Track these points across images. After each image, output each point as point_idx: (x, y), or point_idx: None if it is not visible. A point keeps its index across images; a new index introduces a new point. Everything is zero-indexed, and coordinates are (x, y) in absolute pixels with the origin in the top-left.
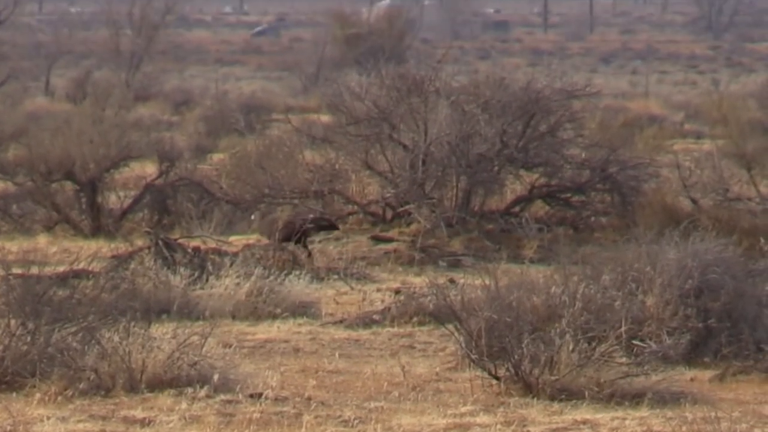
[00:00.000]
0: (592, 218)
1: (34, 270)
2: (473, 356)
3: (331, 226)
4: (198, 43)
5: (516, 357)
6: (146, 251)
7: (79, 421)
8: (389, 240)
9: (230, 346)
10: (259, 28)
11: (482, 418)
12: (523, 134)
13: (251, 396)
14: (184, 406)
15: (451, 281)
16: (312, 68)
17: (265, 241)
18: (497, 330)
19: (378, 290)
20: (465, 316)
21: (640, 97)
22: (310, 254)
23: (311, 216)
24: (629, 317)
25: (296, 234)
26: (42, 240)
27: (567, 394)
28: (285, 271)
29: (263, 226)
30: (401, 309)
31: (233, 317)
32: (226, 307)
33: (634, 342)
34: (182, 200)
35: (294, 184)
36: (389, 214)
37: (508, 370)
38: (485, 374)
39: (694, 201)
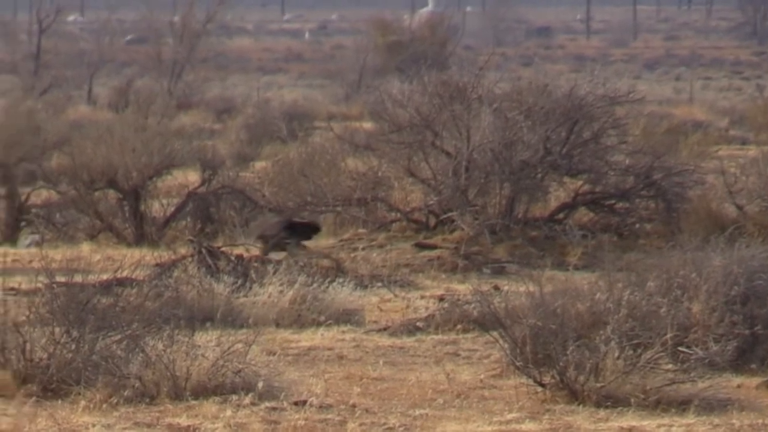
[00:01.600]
0: (637, 225)
1: (78, 278)
2: (518, 363)
3: (311, 229)
4: (240, 51)
5: (561, 364)
6: (190, 259)
7: (124, 429)
8: (433, 247)
9: (274, 354)
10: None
11: (528, 426)
12: (566, 141)
13: (296, 403)
14: (228, 413)
15: (496, 288)
16: (354, 76)
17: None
18: (542, 337)
19: (422, 297)
20: (509, 323)
21: (685, 104)
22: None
23: (285, 221)
24: (675, 324)
25: (273, 239)
26: (85, 248)
27: (612, 401)
28: (328, 279)
29: (251, 232)
30: (445, 316)
31: (277, 325)
32: (270, 314)
33: (680, 349)
34: (225, 208)
35: (337, 191)
36: (432, 221)
37: (553, 377)
38: (530, 381)
39: (739, 207)
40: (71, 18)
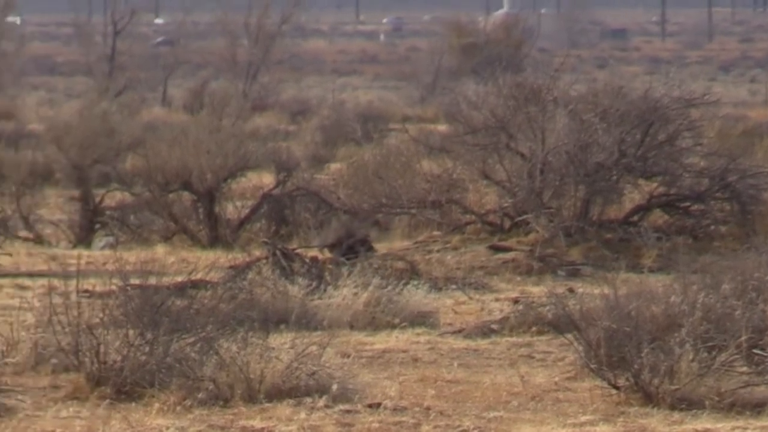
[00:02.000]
0: (712, 227)
1: (152, 280)
2: (593, 366)
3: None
4: (315, 52)
5: (636, 366)
6: (264, 261)
7: (198, 431)
8: (507, 249)
9: (349, 356)
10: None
11: (602, 428)
12: (641, 143)
13: (370, 406)
14: (302, 416)
15: (570, 291)
16: (429, 78)
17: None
18: (616, 339)
19: (496, 300)
20: (584, 325)
21: (760, 106)
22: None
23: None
24: (750, 326)
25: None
26: (160, 250)
27: (687, 404)
28: (403, 281)
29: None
30: (520, 318)
31: (351, 327)
32: (344, 317)
33: (755, 351)
34: (299, 210)
35: (412, 193)
36: (507, 223)
37: (627, 379)
38: (605, 384)
39: None
40: (158, 20)
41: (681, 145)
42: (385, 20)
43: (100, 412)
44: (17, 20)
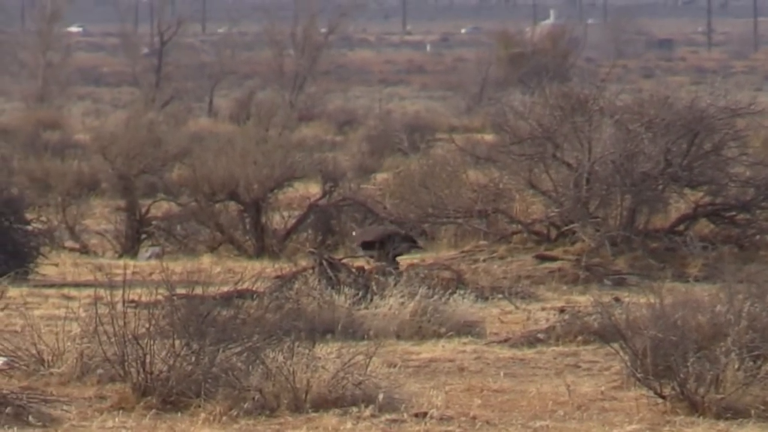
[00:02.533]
0: (757, 236)
1: (199, 290)
2: (638, 375)
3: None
4: (361, 63)
5: (681, 376)
6: (310, 271)
7: None
8: (554, 259)
9: (395, 366)
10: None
11: None
12: (687, 153)
13: (416, 415)
14: (349, 425)
15: (616, 300)
16: (476, 88)
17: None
18: (662, 349)
19: (543, 309)
20: (630, 334)
21: None
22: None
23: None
24: None
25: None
26: (206, 260)
27: (733, 413)
28: (449, 291)
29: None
30: (566, 328)
31: (398, 337)
32: (391, 326)
33: None
34: (346, 220)
35: (458, 203)
36: (553, 233)
37: (673, 388)
38: (650, 393)
39: None
40: (222, 30)
41: (726, 154)
42: (464, 30)
43: (145, 423)
44: (79, 30)
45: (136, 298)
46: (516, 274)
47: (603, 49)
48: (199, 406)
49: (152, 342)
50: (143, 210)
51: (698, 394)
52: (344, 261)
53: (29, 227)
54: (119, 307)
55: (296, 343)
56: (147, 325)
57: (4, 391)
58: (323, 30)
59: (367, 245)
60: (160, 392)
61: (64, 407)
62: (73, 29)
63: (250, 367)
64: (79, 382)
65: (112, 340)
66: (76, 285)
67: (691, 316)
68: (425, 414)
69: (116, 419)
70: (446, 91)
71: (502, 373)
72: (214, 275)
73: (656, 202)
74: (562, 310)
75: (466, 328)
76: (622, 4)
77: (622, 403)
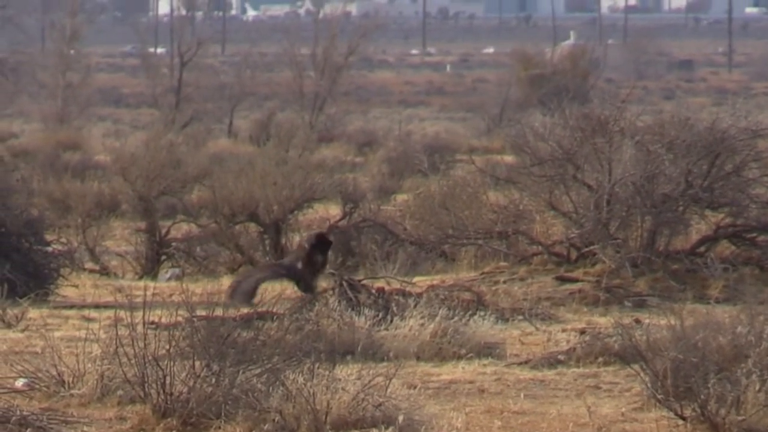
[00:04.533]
0: None
1: (219, 312)
2: (659, 396)
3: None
4: (381, 84)
5: (702, 397)
6: (330, 292)
7: None
8: (574, 280)
9: (415, 387)
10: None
11: None
12: (708, 174)
13: None
14: None
15: (637, 321)
16: (496, 109)
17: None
18: (683, 370)
19: (563, 330)
20: (651, 356)
21: None
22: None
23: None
24: None
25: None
26: (226, 282)
27: None
28: (469, 312)
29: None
30: (586, 349)
31: (417, 358)
32: (411, 348)
33: None
34: (366, 241)
35: (478, 224)
36: (574, 254)
37: (694, 410)
38: (671, 414)
39: None
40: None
41: (748, 175)
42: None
43: None
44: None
45: (156, 320)
46: (536, 295)
47: (623, 70)
48: (219, 428)
49: (172, 363)
50: (163, 231)
51: (719, 415)
52: (364, 282)
53: (49, 248)
54: (139, 328)
55: (316, 365)
56: (167, 347)
57: (25, 413)
58: (343, 51)
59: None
60: (180, 414)
61: (85, 428)
62: (126, 49)
63: (270, 388)
64: (99, 404)
65: (133, 361)
66: (97, 306)
67: (712, 337)
68: None
69: None
70: (466, 112)
71: (522, 395)
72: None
73: (677, 224)
74: (582, 332)
75: (487, 350)
76: (643, 25)
77: (643, 425)
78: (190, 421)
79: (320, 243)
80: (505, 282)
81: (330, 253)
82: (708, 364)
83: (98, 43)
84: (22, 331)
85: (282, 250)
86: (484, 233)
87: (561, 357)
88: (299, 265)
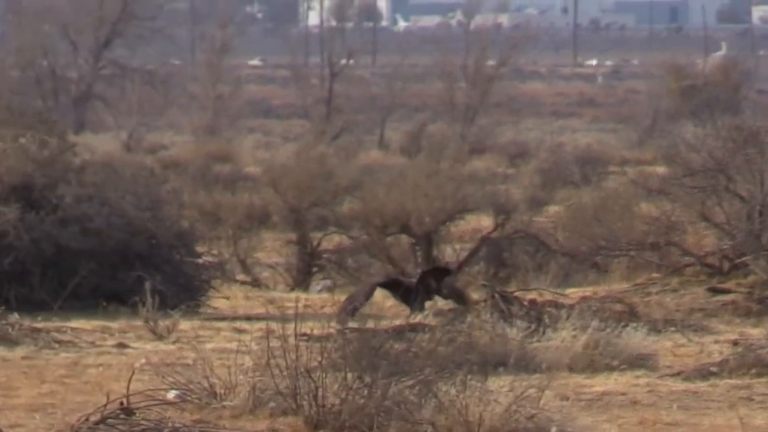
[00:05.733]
0: None
1: (371, 324)
2: None
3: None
4: (533, 95)
5: None
6: (483, 304)
7: None
8: (726, 291)
9: (567, 399)
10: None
11: None
12: None
13: None
14: None
15: None
16: (647, 120)
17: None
18: None
19: (716, 342)
20: None
21: None
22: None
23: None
24: None
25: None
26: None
27: None
28: (622, 323)
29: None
30: (739, 361)
31: (570, 369)
32: (563, 359)
33: None
34: (518, 253)
35: (630, 236)
36: (726, 265)
37: None
38: None
39: None
40: (363, 63)
41: None
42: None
43: None
44: (258, 62)
45: (308, 332)
46: (689, 306)
47: None
48: None
49: (324, 375)
50: (314, 243)
51: None
52: (516, 294)
53: (200, 260)
54: (291, 340)
55: (468, 377)
56: (319, 359)
57: (177, 425)
58: (494, 62)
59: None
60: (332, 425)
61: None
62: (255, 62)
63: (423, 400)
64: (251, 416)
65: (285, 373)
66: (248, 318)
67: None
68: None
69: None
70: (617, 123)
71: (675, 407)
72: (386, 309)
73: None
74: (735, 343)
75: (639, 361)
76: None
77: None
78: None
79: (437, 270)
80: (657, 293)
81: (445, 279)
82: None
83: (248, 54)
84: (174, 342)
85: (434, 261)
86: (637, 244)
87: (713, 368)
88: (414, 282)
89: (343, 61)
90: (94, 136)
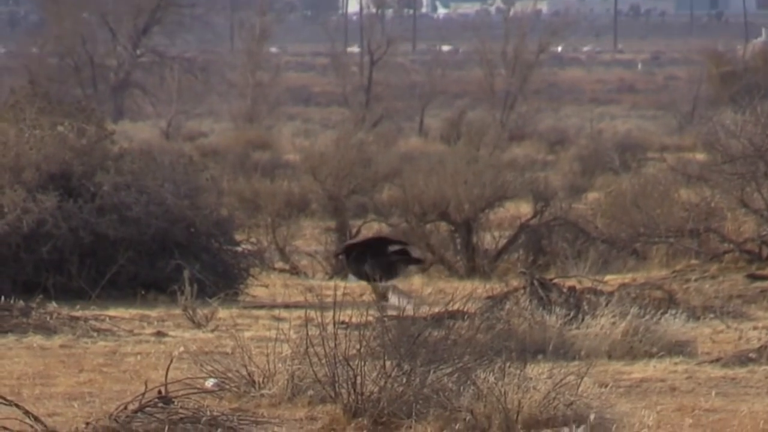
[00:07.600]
0: None
1: (409, 311)
2: None
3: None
4: (572, 82)
5: None
6: (521, 291)
7: None
8: (765, 278)
9: (606, 386)
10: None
11: None
12: None
13: None
14: None
15: None
16: (687, 106)
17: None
18: None
19: (754, 328)
20: None
21: None
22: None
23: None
24: None
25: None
26: (417, 281)
27: None
28: (661, 310)
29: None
30: None
31: (609, 357)
32: (602, 346)
33: None
34: (557, 240)
35: (669, 222)
36: (765, 252)
37: None
38: None
39: None
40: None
41: None
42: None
43: None
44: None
45: (346, 320)
46: (728, 293)
47: None
48: (410, 427)
49: (363, 363)
50: (354, 231)
51: None
52: (555, 281)
53: (239, 248)
54: (330, 328)
55: (507, 364)
56: (358, 347)
57: (215, 413)
58: (534, 49)
59: (355, 258)
60: (371, 413)
61: (275, 429)
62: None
63: (461, 387)
64: (289, 404)
65: (323, 361)
66: (287, 306)
67: None
68: None
69: None
70: (657, 110)
71: (713, 393)
72: (425, 296)
73: None
74: None
75: (678, 348)
76: None
77: None
78: (381, 420)
79: (405, 254)
80: (696, 280)
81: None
82: None
83: (288, 41)
84: (212, 331)
85: (473, 248)
86: (676, 231)
87: (752, 355)
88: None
89: (383, 48)
90: (132, 124)
